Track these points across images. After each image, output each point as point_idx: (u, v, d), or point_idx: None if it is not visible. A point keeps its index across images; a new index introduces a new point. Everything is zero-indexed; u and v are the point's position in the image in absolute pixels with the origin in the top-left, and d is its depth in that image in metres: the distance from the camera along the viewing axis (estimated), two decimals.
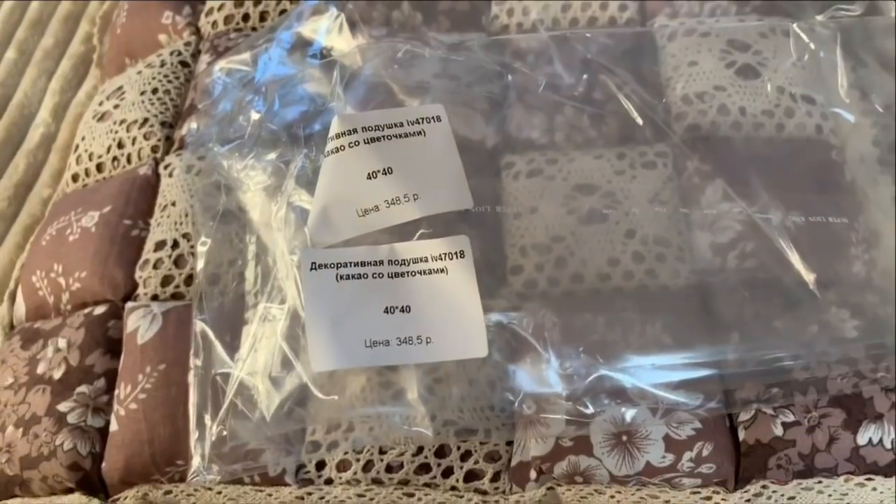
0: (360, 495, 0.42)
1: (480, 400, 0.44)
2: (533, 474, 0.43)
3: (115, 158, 0.54)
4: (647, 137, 0.52)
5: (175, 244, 0.48)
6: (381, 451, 0.43)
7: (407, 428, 0.43)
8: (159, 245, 0.48)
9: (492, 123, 0.54)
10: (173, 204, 0.49)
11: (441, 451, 0.43)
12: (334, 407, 0.43)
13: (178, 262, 0.48)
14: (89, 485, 0.43)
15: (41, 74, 0.67)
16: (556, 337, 0.45)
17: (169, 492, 0.42)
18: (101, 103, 0.58)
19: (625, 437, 0.42)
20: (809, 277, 0.47)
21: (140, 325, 0.45)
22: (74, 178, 0.56)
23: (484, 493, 0.43)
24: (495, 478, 0.43)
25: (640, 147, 0.52)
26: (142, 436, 0.42)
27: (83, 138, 0.56)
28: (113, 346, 0.46)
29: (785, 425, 0.42)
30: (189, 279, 0.47)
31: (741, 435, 0.42)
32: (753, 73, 0.52)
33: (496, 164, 0.53)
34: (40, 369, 0.45)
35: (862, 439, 0.41)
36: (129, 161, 0.54)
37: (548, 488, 0.43)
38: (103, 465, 0.43)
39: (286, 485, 0.43)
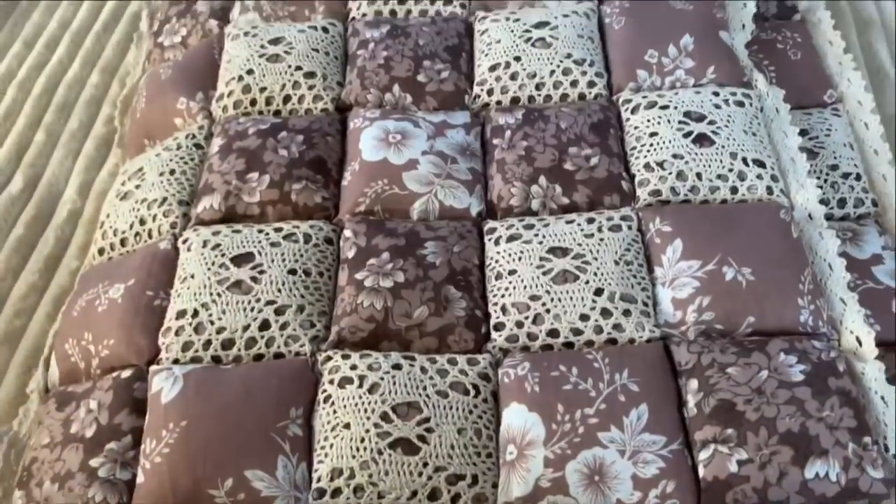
0: None
1: (468, 447, 0.49)
2: None
3: (137, 234, 0.60)
4: (614, 202, 0.58)
5: (195, 313, 0.53)
6: (380, 496, 0.47)
7: (402, 474, 0.47)
8: (180, 314, 0.54)
9: (475, 194, 0.60)
10: (192, 276, 0.55)
11: (433, 495, 0.47)
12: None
13: (198, 329, 0.53)
14: None
15: (68, 155, 0.73)
16: (535, 387, 0.50)
17: None
18: (123, 183, 0.64)
19: (597, 478, 0.47)
20: (760, 327, 0.52)
21: (163, 386, 0.50)
22: (101, 251, 0.61)
23: None
24: None
25: (608, 212, 0.57)
26: (165, 487, 0.47)
27: (108, 216, 0.62)
28: (138, 406, 0.51)
29: (740, 462, 0.46)
30: (207, 344, 0.52)
31: (701, 472, 0.47)
32: (708, 141, 0.58)
33: (480, 229, 0.59)
34: (73, 429, 0.50)
35: (809, 473, 0.46)
36: (149, 236, 0.60)
37: None
38: None
39: None
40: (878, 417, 0.48)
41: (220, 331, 0.52)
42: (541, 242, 0.56)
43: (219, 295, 0.53)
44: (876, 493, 0.46)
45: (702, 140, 0.58)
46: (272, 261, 0.55)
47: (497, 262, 0.56)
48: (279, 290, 0.53)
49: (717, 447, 0.47)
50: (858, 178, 0.57)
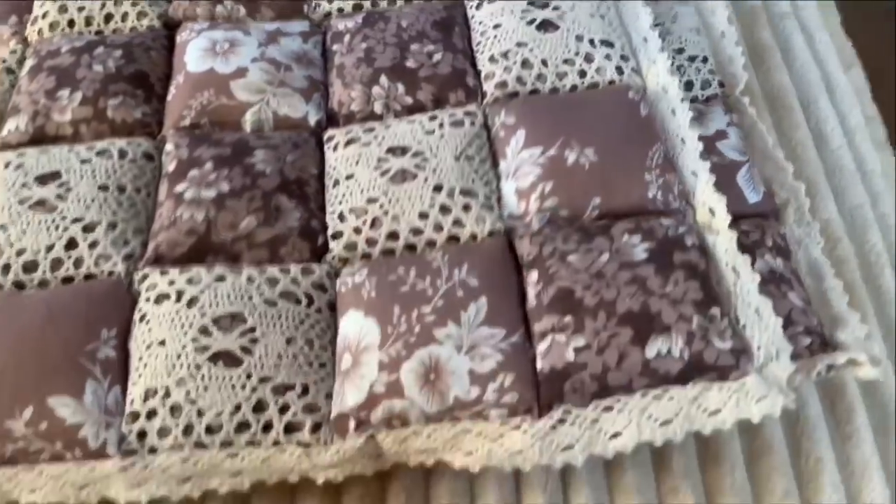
0: (184, 460, 0.43)
1: (298, 357, 0.45)
2: (352, 424, 0.44)
3: None
4: (459, 99, 0.55)
5: None
6: (199, 414, 0.43)
7: (223, 388, 0.44)
8: None
9: (312, 102, 0.56)
10: None
11: (259, 406, 0.44)
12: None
13: None
14: None
15: None
16: (371, 292, 0.47)
17: None
18: None
19: (432, 376, 0.44)
20: (607, 208, 0.49)
21: None
22: None
23: (307, 444, 0.43)
24: (315, 429, 0.44)
25: (451, 109, 0.54)
26: None
27: None
28: None
29: (576, 350, 0.43)
30: (7, 269, 0.48)
31: (538, 364, 0.44)
32: (553, 27, 0.56)
33: (319, 139, 0.55)
34: None
35: (651, 352, 0.43)
36: None
37: (368, 437, 0.44)
38: None
39: (109, 457, 0.43)
40: (729, 289, 0.46)
41: (20, 252, 0.48)
42: (380, 144, 0.52)
43: (18, 215, 0.49)
44: (723, 365, 0.43)
45: (546, 26, 0.55)
46: (81, 177, 0.50)
47: (335, 168, 0.52)
48: (87, 208, 0.49)
49: (555, 336, 0.44)
50: (705, 60, 0.55)
